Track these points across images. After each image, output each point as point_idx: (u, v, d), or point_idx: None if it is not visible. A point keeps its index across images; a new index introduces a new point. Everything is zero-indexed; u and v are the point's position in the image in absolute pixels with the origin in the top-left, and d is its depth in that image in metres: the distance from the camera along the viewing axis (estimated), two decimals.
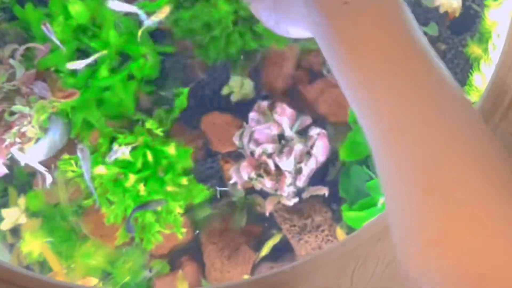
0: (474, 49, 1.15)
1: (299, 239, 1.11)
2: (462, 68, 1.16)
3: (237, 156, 1.13)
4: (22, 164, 1.00)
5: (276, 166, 1.09)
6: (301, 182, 1.09)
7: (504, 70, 0.50)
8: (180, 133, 1.12)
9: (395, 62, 0.29)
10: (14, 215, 1.08)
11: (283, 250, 1.14)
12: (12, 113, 0.96)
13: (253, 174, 1.08)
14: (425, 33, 1.15)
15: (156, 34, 1.12)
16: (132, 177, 0.99)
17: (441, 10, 1.17)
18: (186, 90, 1.10)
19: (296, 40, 1.14)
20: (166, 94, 1.08)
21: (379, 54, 0.29)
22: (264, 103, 1.10)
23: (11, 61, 1.00)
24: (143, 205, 0.99)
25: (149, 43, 1.09)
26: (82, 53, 1.03)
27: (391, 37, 0.29)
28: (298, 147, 1.08)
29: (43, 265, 1.09)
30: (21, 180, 1.11)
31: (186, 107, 1.09)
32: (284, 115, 1.09)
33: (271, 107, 1.10)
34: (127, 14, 1.08)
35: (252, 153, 1.09)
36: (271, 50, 1.15)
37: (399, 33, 0.29)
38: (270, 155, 1.09)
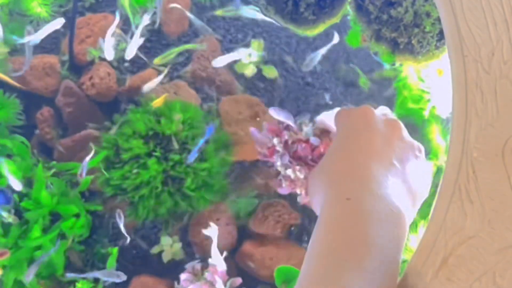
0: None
1: None
2: None
3: None
4: None
5: None
6: None
7: (435, 229, 0.56)
8: None
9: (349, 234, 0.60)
10: None
11: None
12: None
13: None
14: None
15: (87, 194, 1.38)
16: None
17: None
18: (115, 250, 1.34)
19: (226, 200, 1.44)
20: (97, 253, 1.31)
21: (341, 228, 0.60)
22: (198, 265, 1.35)
23: None
24: None
25: (79, 202, 1.34)
26: (15, 213, 1.25)
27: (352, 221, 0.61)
28: None
29: None
30: None
31: (116, 267, 1.32)
32: (216, 274, 1.34)
33: (204, 268, 1.35)
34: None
35: None
36: (200, 211, 1.43)
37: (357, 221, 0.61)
38: None
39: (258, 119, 1.45)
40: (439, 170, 1.33)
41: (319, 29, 1.16)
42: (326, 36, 1.48)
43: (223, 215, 1.43)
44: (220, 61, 1.42)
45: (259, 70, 1.50)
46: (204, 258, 1.42)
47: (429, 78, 1.34)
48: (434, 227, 0.58)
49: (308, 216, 1.47)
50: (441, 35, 1.07)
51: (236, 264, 1.44)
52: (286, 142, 0.73)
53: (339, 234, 0.59)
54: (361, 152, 0.66)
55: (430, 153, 1.37)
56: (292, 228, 1.44)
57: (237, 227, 1.45)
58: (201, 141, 1.33)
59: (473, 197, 0.55)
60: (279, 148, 0.73)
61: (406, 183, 0.66)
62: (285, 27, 1.17)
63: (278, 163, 0.72)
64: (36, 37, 1.39)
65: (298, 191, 0.73)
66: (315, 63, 1.48)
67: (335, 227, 0.60)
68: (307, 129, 0.75)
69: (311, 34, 1.20)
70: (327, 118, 0.77)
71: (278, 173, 0.72)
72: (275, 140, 0.73)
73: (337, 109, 0.76)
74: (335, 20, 1.16)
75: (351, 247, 0.57)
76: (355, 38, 1.38)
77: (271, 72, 1.49)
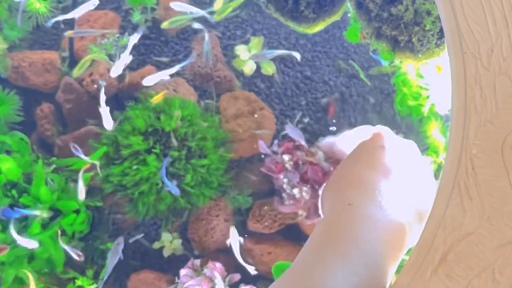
0: None
1: None
2: None
3: None
4: None
5: None
6: None
7: (435, 225, 0.57)
8: None
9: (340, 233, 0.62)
10: None
11: None
12: None
13: None
14: None
15: (87, 190, 1.38)
16: None
17: None
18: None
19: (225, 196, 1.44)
20: (96, 249, 1.32)
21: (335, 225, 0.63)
22: (197, 261, 1.35)
23: None
24: None
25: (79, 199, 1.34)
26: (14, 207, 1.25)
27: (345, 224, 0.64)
28: None
29: None
30: None
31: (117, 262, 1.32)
32: (215, 270, 1.34)
33: (203, 264, 1.36)
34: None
35: None
36: (199, 208, 1.43)
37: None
38: None
39: (256, 115, 1.45)
40: (439, 167, 1.33)
41: (320, 27, 1.16)
42: (326, 33, 1.48)
43: (222, 211, 1.43)
44: (150, 80, 1.41)
45: (258, 66, 1.50)
46: (205, 255, 1.42)
47: (428, 75, 1.34)
48: (433, 224, 0.58)
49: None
50: (441, 34, 1.07)
51: (234, 260, 1.44)
52: (296, 161, 0.75)
53: (333, 232, 0.63)
54: (372, 168, 0.70)
55: (429, 150, 1.37)
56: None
57: (236, 223, 1.45)
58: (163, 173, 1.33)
59: (473, 193, 0.55)
60: (288, 166, 0.75)
61: (413, 200, 0.70)
62: (285, 24, 1.17)
63: (285, 180, 0.73)
64: (73, 15, 1.44)
65: (299, 212, 0.75)
66: (266, 59, 1.48)
67: (332, 226, 0.64)
68: (320, 153, 0.77)
69: (311, 32, 1.21)
70: (337, 144, 0.80)
71: (279, 190, 0.75)
72: (286, 157, 0.75)
73: (342, 135, 0.81)
74: (336, 17, 1.16)
75: (341, 244, 0.61)
76: (354, 35, 1.38)
77: (269, 67, 1.49)
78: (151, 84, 1.42)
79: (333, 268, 0.57)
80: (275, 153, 0.80)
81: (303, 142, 0.78)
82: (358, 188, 0.68)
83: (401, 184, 0.70)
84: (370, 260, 0.59)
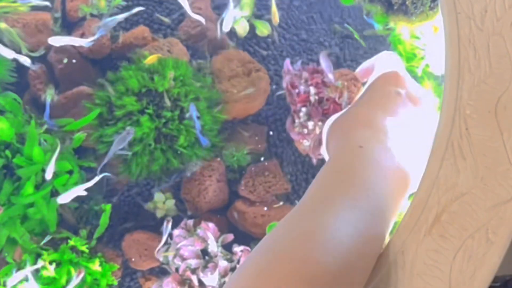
0: None
1: None
2: None
3: (160, 272, 1.36)
4: None
5: (200, 282, 1.32)
6: None
7: (428, 186, 0.57)
8: (102, 252, 1.34)
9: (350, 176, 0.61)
10: None
11: None
12: None
13: None
14: None
15: (80, 150, 1.37)
16: None
17: None
18: (108, 207, 1.33)
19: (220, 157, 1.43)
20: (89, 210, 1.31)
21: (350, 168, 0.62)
22: (190, 222, 1.35)
23: None
24: None
25: (72, 159, 1.33)
26: (7, 170, 1.24)
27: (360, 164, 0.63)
28: (223, 263, 1.32)
29: None
30: None
31: (110, 223, 1.32)
32: (208, 231, 1.34)
33: (196, 224, 1.35)
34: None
35: (177, 269, 1.31)
36: (193, 168, 1.42)
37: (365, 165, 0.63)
38: (194, 271, 1.32)
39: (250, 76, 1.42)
40: None
41: None
42: None
43: (215, 172, 1.42)
44: (56, 41, 1.36)
45: (252, 26, 1.47)
46: (198, 216, 1.42)
47: (424, 35, 1.32)
48: (427, 184, 0.58)
49: (298, 183, 1.46)
50: None
51: (228, 220, 1.44)
52: (322, 97, 0.74)
53: (342, 175, 0.61)
54: (385, 111, 0.69)
55: None
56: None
57: (229, 183, 1.44)
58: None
59: (466, 153, 0.55)
60: (313, 99, 0.74)
61: (418, 146, 0.68)
62: None
63: (304, 109, 0.72)
64: None
65: (306, 142, 0.74)
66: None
67: (341, 168, 0.64)
68: (346, 94, 0.76)
69: None
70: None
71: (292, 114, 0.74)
72: (313, 90, 0.73)
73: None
74: None
75: (350, 188, 0.59)
76: None
77: (264, 28, 1.47)
78: (57, 45, 1.38)
79: (340, 213, 0.56)
80: (296, 75, 0.78)
81: (332, 78, 0.76)
82: (368, 130, 0.67)
83: (410, 133, 0.69)
84: (376, 207, 0.59)
